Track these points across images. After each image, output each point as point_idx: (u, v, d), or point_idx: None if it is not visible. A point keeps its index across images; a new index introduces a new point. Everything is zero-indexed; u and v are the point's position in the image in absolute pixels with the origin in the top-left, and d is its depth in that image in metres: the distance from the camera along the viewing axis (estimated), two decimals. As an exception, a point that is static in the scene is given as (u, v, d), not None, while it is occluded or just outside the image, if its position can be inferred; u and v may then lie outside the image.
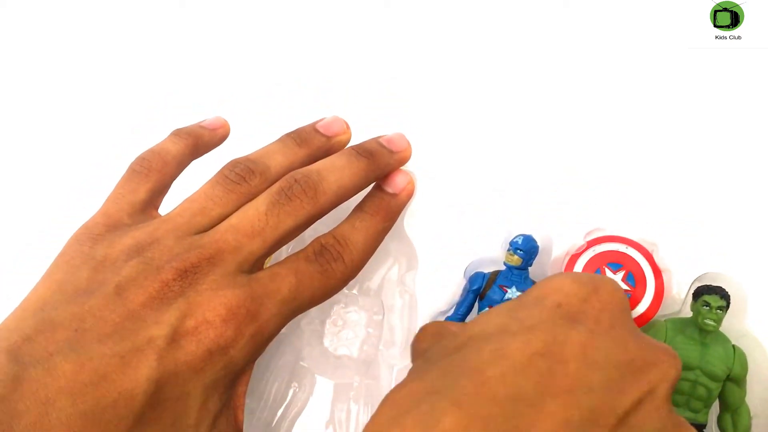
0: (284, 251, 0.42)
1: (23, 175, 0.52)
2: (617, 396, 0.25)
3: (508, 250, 0.41)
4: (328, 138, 0.40)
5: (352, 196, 0.38)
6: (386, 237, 0.40)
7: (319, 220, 0.37)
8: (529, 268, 0.42)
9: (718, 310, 0.38)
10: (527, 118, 0.49)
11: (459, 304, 0.42)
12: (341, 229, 0.37)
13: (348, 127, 0.42)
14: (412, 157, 0.41)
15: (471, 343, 0.28)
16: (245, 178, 0.36)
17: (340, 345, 0.42)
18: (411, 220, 0.45)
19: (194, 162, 0.41)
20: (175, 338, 0.30)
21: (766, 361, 0.40)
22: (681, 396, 0.38)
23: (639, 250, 0.42)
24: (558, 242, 0.44)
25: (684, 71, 0.49)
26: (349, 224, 0.37)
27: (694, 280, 0.41)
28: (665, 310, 0.41)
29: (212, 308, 0.31)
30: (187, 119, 0.42)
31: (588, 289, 0.28)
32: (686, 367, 0.38)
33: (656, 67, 0.50)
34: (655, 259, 0.42)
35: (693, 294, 0.40)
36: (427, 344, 0.32)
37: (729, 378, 0.38)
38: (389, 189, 0.40)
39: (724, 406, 0.39)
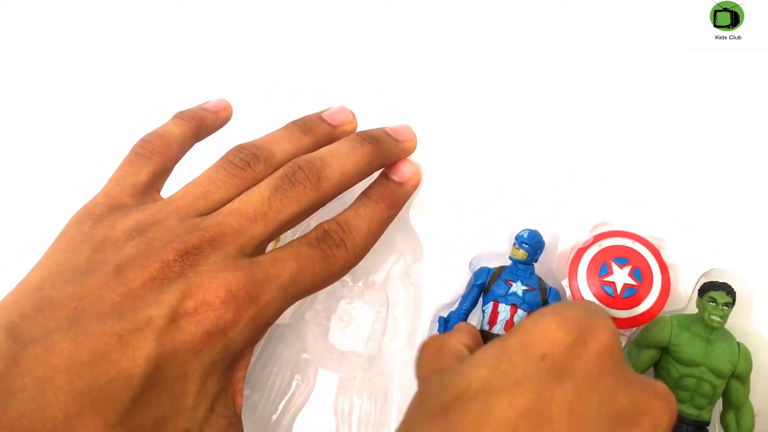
0: (290, 237, 0.42)
1: (23, 175, 0.52)
2: None
3: (514, 244, 0.41)
4: (334, 127, 0.40)
5: (357, 183, 0.38)
6: (392, 229, 0.40)
7: (324, 209, 0.37)
8: (534, 263, 0.42)
9: (725, 307, 0.38)
10: (527, 118, 0.49)
11: (463, 298, 0.42)
12: (345, 216, 0.37)
13: (354, 116, 0.42)
14: (412, 156, 0.41)
15: (458, 402, 0.27)
16: (249, 164, 0.36)
17: (346, 341, 0.42)
18: (413, 218, 0.45)
19: (197, 147, 0.41)
20: (174, 319, 0.30)
21: (771, 358, 0.40)
22: (685, 392, 0.38)
23: (646, 246, 0.42)
24: (564, 237, 0.44)
25: (684, 71, 0.49)
26: (353, 211, 0.37)
27: (701, 276, 0.41)
28: (671, 306, 0.41)
29: (212, 290, 0.31)
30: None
31: (574, 337, 0.28)
32: (691, 364, 0.37)
33: (656, 67, 0.50)
34: (662, 254, 0.41)
35: (699, 290, 0.39)
36: (427, 372, 0.32)
37: (733, 375, 0.38)
38: (395, 177, 0.40)
39: (728, 404, 0.39)
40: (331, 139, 0.40)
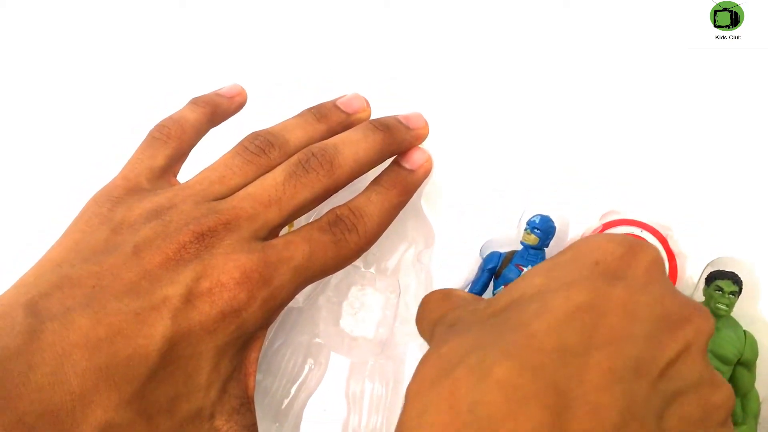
0: (303, 223, 0.43)
1: (23, 175, 0.52)
2: (658, 348, 0.26)
3: (525, 229, 0.42)
4: (348, 115, 0.41)
5: (369, 170, 0.39)
6: (404, 215, 0.40)
7: (336, 195, 0.38)
8: (545, 248, 0.42)
9: (731, 295, 0.38)
10: (527, 118, 0.49)
11: (474, 282, 0.42)
12: (357, 201, 0.38)
13: (368, 104, 0.42)
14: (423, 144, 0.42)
15: (512, 305, 0.28)
16: (264, 151, 0.37)
17: (357, 326, 0.42)
18: (424, 205, 0.45)
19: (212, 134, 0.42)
20: (189, 298, 0.30)
21: (776, 346, 0.40)
22: (691, 379, 0.38)
23: (654, 234, 0.42)
24: (573, 225, 0.44)
25: (684, 71, 0.49)
26: (365, 197, 0.38)
27: (707, 265, 0.41)
28: (678, 295, 0.41)
29: (227, 271, 0.31)
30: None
31: (624, 248, 0.29)
32: (697, 351, 0.38)
33: (656, 67, 0.50)
34: (670, 243, 0.42)
35: (706, 278, 0.40)
36: (439, 311, 0.32)
37: (739, 362, 0.38)
38: (406, 165, 0.40)
39: (734, 391, 0.39)
40: (345, 127, 0.40)
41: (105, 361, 0.28)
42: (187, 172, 0.38)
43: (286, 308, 0.36)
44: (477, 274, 0.43)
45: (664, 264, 0.30)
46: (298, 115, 0.40)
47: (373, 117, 0.42)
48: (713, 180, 0.46)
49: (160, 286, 0.30)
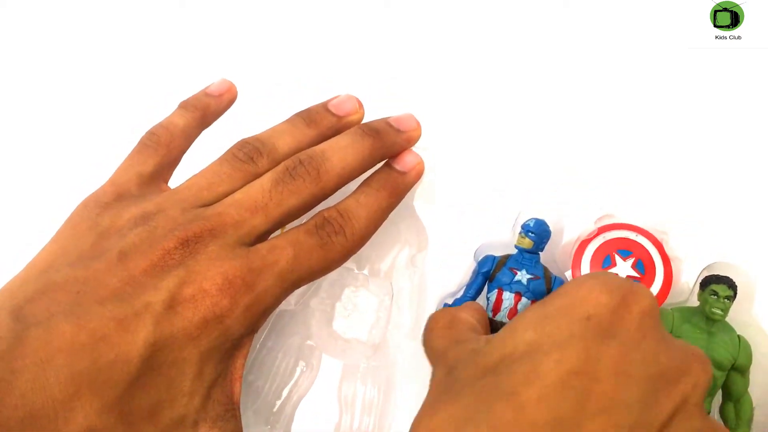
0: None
1: (23, 175, 0.52)
2: (653, 410, 0.25)
3: (520, 232, 0.41)
4: (339, 118, 0.41)
5: (359, 175, 0.39)
6: (397, 217, 0.40)
7: (329, 199, 0.38)
8: (540, 252, 0.42)
9: (726, 300, 0.38)
10: (527, 118, 0.49)
11: (468, 286, 0.42)
12: (345, 203, 0.37)
13: (361, 105, 0.42)
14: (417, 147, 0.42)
15: (503, 364, 0.28)
16: (253, 158, 0.37)
17: (349, 329, 0.42)
18: (418, 207, 0.45)
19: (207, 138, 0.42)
20: (172, 305, 0.31)
21: (770, 351, 0.40)
22: (685, 384, 0.38)
23: (649, 239, 0.42)
24: (568, 228, 0.44)
25: (684, 71, 0.49)
26: (354, 199, 0.38)
27: (703, 269, 0.41)
28: (673, 299, 0.41)
29: (210, 277, 0.32)
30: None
31: (617, 300, 0.28)
32: (691, 356, 0.38)
33: (656, 67, 0.49)
34: (665, 248, 0.41)
35: (701, 283, 0.39)
36: (443, 342, 0.32)
37: (733, 367, 0.38)
38: (397, 167, 0.40)
39: (727, 396, 0.39)
40: (336, 131, 0.40)
41: (87, 367, 0.28)
42: (187, 172, 0.39)
43: (278, 310, 0.36)
44: (471, 277, 0.43)
45: (658, 311, 0.29)
46: (288, 120, 0.40)
47: (372, 117, 0.42)
48: (712, 180, 0.45)
49: (143, 292, 0.30)
